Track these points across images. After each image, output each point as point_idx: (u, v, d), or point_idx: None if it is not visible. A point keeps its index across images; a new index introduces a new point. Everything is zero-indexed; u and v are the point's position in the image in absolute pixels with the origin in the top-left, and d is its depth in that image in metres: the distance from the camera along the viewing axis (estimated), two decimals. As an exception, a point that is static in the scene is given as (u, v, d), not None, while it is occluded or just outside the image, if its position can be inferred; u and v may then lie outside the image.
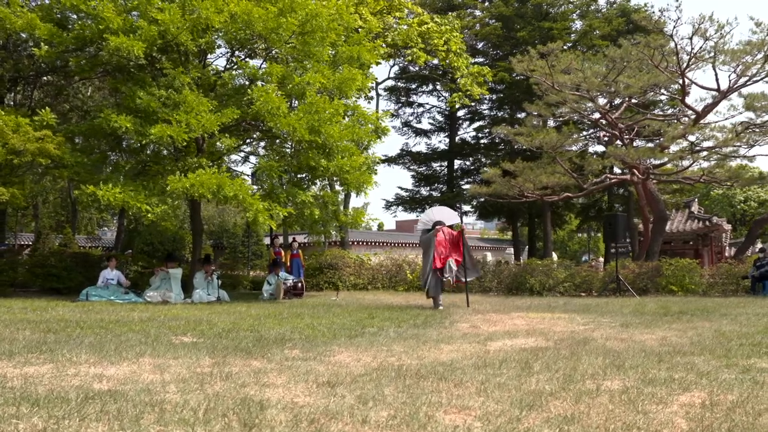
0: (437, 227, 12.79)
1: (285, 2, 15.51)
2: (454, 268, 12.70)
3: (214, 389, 3.71)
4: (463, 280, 12.90)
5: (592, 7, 33.43)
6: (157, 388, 3.75)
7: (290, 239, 23.70)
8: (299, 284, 16.67)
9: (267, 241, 36.14)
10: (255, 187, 15.80)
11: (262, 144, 18.21)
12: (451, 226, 13.03)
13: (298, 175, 16.86)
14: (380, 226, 67.82)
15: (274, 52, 16.61)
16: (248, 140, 18.08)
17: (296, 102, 16.11)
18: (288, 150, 17.00)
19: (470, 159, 36.48)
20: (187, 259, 19.54)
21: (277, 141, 16.88)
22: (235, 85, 16.55)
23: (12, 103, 19.31)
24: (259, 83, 15.59)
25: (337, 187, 19.83)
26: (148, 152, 16.61)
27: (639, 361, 4.84)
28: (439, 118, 36.70)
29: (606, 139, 24.06)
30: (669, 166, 21.37)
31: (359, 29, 19.88)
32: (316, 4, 15.82)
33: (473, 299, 16.11)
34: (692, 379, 4.06)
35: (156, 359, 4.82)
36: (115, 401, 3.31)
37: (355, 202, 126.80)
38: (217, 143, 16.13)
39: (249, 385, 3.85)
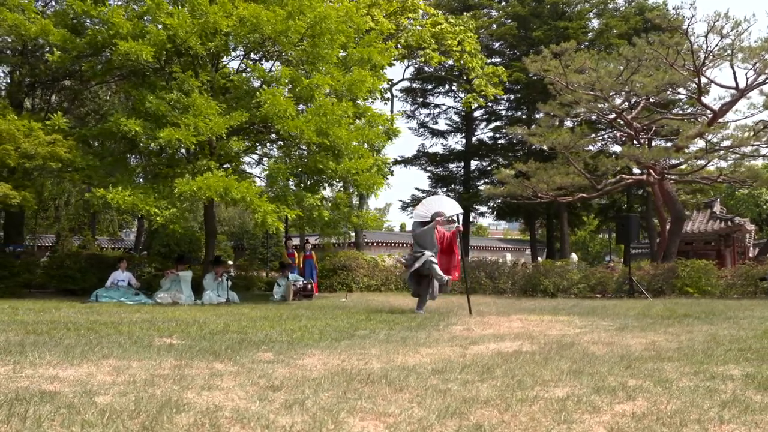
0: (437, 219, 11.31)
1: (293, 5, 15.59)
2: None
3: (154, 391, 3.75)
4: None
5: (610, 6, 33.07)
6: (99, 389, 3.80)
7: (304, 240, 23.84)
8: (309, 286, 16.73)
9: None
10: (266, 189, 15.86)
11: (276, 146, 18.30)
12: (451, 220, 11.68)
13: (315, 177, 16.91)
14: (402, 227, 67.80)
15: (290, 54, 16.72)
16: (261, 142, 18.18)
17: (309, 104, 16.17)
18: (299, 153, 17.10)
19: (487, 160, 36.31)
20: (201, 260, 19.76)
21: (287, 143, 16.95)
22: (251, 87, 16.64)
23: (31, 107, 19.70)
24: (273, 85, 15.66)
25: (351, 189, 19.89)
26: (164, 155, 16.80)
27: (606, 367, 4.77)
28: (456, 118, 36.62)
29: (623, 139, 23.77)
30: (686, 166, 21.04)
31: (371, 30, 19.89)
32: (325, 6, 15.85)
33: (485, 300, 16.05)
34: (646, 387, 3.99)
35: (120, 361, 4.88)
36: (42, 403, 3.36)
37: (378, 204, 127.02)
38: (232, 146, 16.28)
39: (192, 388, 3.88)
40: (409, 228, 62.21)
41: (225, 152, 15.52)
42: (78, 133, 15.42)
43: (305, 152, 16.72)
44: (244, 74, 16.88)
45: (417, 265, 11.10)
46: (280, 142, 17.79)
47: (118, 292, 14.63)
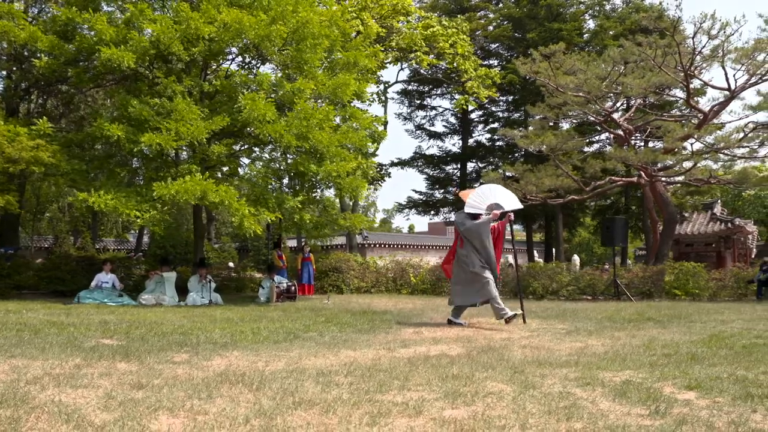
0: (494, 212, 9.77)
1: (277, 11, 15.79)
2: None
3: (17, 389, 3.94)
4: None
5: (607, 7, 32.97)
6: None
7: (301, 243, 24.08)
8: (293, 288, 16.90)
9: (291, 244, 36.61)
10: (245, 192, 16.07)
11: (261, 150, 18.50)
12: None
13: (309, 181, 17.05)
14: (410, 228, 68.13)
15: (274, 58, 16.90)
16: (247, 146, 18.37)
17: (290, 108, 16.34)
18: (284, 156, 17.27)
19: (485, 161, 36.28)
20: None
21: (269, 147, 17.17)
22: (238, 92, 16.83)
23: (27, 112, 20.09)
24: (255, 89, 15.84)
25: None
26: (160, 159, 17.04)
27: (495, 372, 4.86)
28: (452, 120, 36.65)
29: (614, 140, 23.73)
30: (678, 168, 20.95)
31: (358, 33, 20.05)
32: (307, 11, 16.00)
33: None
34: (501, 392, 4.07)
35: (25, 361, 5.10)
36: None
37: (386, 205, 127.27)
38: (214, 150, 16.48)
39: (62, 386, 4.10)
40: (418, 229, 61.45)
41: (208, 155, 15.72)
42: (65, 138, 15.75)
43: (290, 156, 16.88)
44: (232, 79, 17.08)
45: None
46: (270, 146, 18.00)
47: (101, 293, 14.84)
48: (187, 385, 4.19)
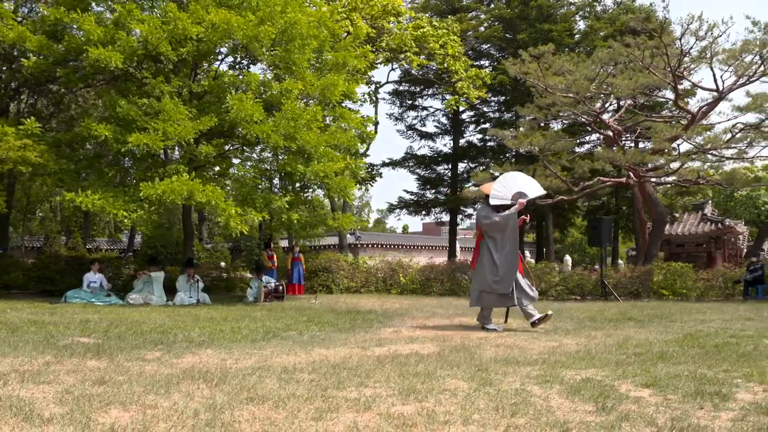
0: (520, 201, 9.18)
1: (265, 11, 15.84)
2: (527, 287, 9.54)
3: None
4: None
5: (599, 8, 33.06)
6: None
7: (292, 243, 24.14)
8: (281, 287, 16.95)
9: (284, 244, 36.70)
10: (231, 192, 16.13)
11: (250, 150, 18.53)
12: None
13: (294, 184, 17.09)
14: (405, 229, 68.35)
15: (263, 59, 16.96)
16: (236, 146, 18.42)
17: (278, 109, 16.39)
18: (273, 156, 17.33)
19: (476, 162, 36.27)
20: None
21: (257, 148, 17.23)
22: (227, 92, 16.86)
23: (17, 112, 20.12)
24: (243, 90, 15.88)
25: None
26: (151, 159, 17.07)
27: (457, 371, 4.93)
28: (444, 121, 36.61)
29: (602, 141, 23.81)
30: (665, 168, 21.03)
31: (348, 34, 20.10)
32: (295, 11, 16.05)
33: (454, 303, 16.05)
34: (459, 390, 4.14)
35: (-3, 358, 5.20)
36: None
37: (381, 206, 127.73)
38: (202, 150, 16.52)
39: (25, 381, 4.20)
40: (412, 229, 61.25)
41: (196, 155, 15.77)
42: (53, 138, 15.79)
43: (280, 156, 16.93)
44: (221, 79, 17.12)
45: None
46: (259, 146, 18.04)
47: (88, 293, 14.91)
48: (148, 381, 4.26)
